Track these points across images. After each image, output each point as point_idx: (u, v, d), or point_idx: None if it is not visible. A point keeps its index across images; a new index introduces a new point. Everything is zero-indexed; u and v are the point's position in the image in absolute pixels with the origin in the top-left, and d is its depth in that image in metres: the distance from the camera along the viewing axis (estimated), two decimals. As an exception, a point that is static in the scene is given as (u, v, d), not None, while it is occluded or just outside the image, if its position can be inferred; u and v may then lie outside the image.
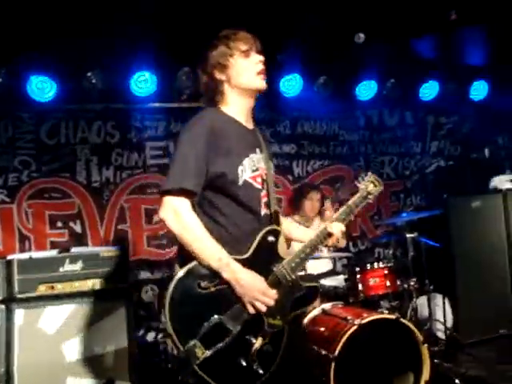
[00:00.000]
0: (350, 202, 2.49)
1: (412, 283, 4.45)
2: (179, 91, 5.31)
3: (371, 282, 4.18)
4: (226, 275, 2.06)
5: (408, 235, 4.56)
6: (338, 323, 3.59)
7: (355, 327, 3.39)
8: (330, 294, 4.46)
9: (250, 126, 2.39)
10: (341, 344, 3.33)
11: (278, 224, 2.33)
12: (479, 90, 6.31)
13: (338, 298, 4.26)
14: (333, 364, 3.28)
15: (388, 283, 4.22)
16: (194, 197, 2.16)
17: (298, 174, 6.19)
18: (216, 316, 2.06)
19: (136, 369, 3.76)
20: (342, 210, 2.46)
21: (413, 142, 6.72)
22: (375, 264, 4.33)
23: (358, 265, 4.37)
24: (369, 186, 2.54)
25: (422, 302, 4.87)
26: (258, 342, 2.11)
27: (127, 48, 4.81)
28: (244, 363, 2.08)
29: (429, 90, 6.20)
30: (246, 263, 2.13)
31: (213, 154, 2.15)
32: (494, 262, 5.24)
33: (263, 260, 2.20)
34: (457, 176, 6.16)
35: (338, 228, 2.39)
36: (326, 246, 2.47)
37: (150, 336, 4.84)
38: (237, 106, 2.32)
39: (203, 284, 2.07)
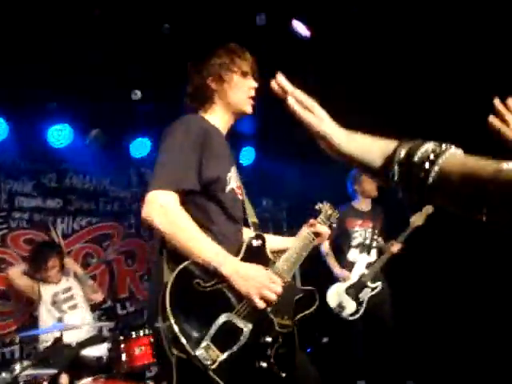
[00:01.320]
0: (318, 219, 2.52)
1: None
2: None
3: (136, 351, 3.92)
4: (225, 270, 1.88)
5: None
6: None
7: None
8: (92, 366, 4.06)
9: (226, 138, 2.33)
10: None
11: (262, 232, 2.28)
12: (247, 155, 6.71)
13: (102, 371, 3.89)
14: None
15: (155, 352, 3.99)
16: (187, 197, 2.00)
17: (62, 231, 5.68)
18: (223, 314, 1.87)
19: None
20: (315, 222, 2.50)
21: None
22: (141, 331, 4.08)
23: (123, 332, 4.08)
24: (328, 209, 2.61)
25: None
26: (272, 343, 1.95)
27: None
28: (265, 365, 1.91)
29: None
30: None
31: (206, 155, 2.05)
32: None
33: (257, 263, 2.05)
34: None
35: (324, 227, 2.46)
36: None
37: None
38: (220, 119, 2.28)
39: (203, 283, 1.88)
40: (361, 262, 4.73)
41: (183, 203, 1.99)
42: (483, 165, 0.88)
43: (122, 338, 3.99)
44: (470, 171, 0.89)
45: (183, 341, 1.77)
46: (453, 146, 0.96)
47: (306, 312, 2.23)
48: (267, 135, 6.28)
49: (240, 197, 2.26)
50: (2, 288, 5.09)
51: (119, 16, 4.25)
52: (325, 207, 2.63)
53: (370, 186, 4.81)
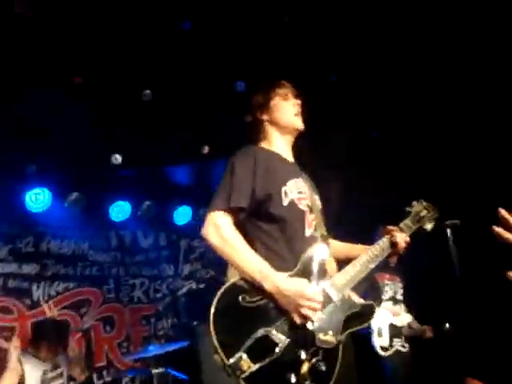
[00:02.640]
0: (400, 224, 2.45)
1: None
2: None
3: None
4: (267, 286, 2.02)
5: (154, 371, 4.28)
6: None
7: None
8: None
9: (291, 159, 2.53)
10: None
11: (327, 244, 2.29)
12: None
13: None
14: None
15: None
16: (241, 213, 2.20)
17: (37, 297, 5.49)
18: (262, 329, 1.98)
19: None
20: (395, 230, 2.41)
21: (165, 264, 6.64)
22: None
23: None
24: (422, 211, 2.53)
25: None
26: (309, 358, 2.00)
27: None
28: (293, 380, 1.96)
29: (182, 215, 6.32)
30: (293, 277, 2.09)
31: (258, 178, 2.24)
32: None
33: (310, 277, 2.13)
34: (207, 300, 6.20)
35: (402, 237, 2.39)
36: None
37: None
38: (277, 143, 2.49)
39: (248, 298, 2.03)
40: (406, 316, 4.55)
41: (239, 222, 2.22)
42: None
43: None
44: None
45: (219, 350, 1.94)
46: None
47: (358, 328, 2.20)
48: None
49: (303, 207, 2.31)
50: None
51: (101, 80, 4.28)
52: (419, 207, 2.56)
53: None
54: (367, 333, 4.36)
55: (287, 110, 2.50)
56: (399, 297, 4.61)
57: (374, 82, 4.54)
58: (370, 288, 4.41)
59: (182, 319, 6.44)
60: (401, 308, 4.58)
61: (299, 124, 2.50)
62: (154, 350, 4.43)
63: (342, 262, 2.45)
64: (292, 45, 4.00)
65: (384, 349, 4.35)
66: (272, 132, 2.52)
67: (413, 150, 4.91)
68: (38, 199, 5.25)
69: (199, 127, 4.79)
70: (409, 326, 4.53)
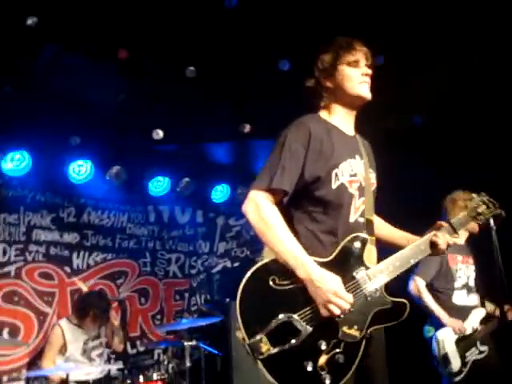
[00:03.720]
0: (452, 219, 2.33)
1: (188, 395, 4.19)
2: None
3: (144, 396, 3.82)
4: (300, 274, 1.98)
5: (187, 343, 4.35)
6: None
7: None
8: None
9: (351, 132, 2.36)
10: None
11: (371, 233, 2.22)
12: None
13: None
14: None
15: (162, 397, 3.90)
16: (284, 196, 2.13)
17: (77, 266, 5.65)
18: (287, 314, 1.97)
19: None
20: (443, 227, 2.28)
21: (201, 241, 6.71)
22: (150, 375, 4.01)
23: (130, 376, 3.99)
24: (480, 206, 2.40)
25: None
26: (329, 350, 1.98)
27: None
28: (310, 368, 1.95)
29: (220, 193, 6.36)
30: (327, 266, 2.04)
31: (309, 158, 2.14)
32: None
33: (345, 265, 2.10)
34: (241, 278, 6.24)
35: (444, 239, 2.25)
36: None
37: None
38: (338, 114, 2.32)
39: (278, 280, 2.00)
40: (477, 312, 4.02)
41: (285, 203, 2.14)
42: None
43: (129, 381, 3.90)
44: None
45: (241, 327, 1.94)
46: None
47: (386, 325, 2.14)
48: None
49: (353, 191, 2.21)
50: (10, 321, 5.04)
51: (146, 54, 4.31)
52: (475, 202, 2.41)
53: None
54: (434, 365, 3.96)
55: (353, 78, 2.26)
56: (472, 283, 4.09)
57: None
58: (440, 273, 4.04)
59: (215, 296, 6.51)
60: (474, 298, 4.09)
61: (365, 93, 2.28)
62: (186, 323, 4.50)
63: (384, 245, 2.40)
64: (338, 24, 3.92)
65: (457, 374, 3.84)
66: (334, 101, 2.31)
67: (462, 138, 4.74)
68: (80, 170, 5.38)
69: (241, 105, 4.77)
70: (482, 322, 3.99)
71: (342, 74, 2.26)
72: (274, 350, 1.93)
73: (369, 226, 2.24)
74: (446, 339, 3.89)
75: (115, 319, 4.83)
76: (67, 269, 5.58)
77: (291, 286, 2.02)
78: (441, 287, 4.03)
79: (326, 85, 2.29)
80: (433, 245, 2.25)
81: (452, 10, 3.98)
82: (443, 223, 2.31)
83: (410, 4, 3.92)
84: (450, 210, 3.91)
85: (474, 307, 4.04)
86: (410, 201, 4.82)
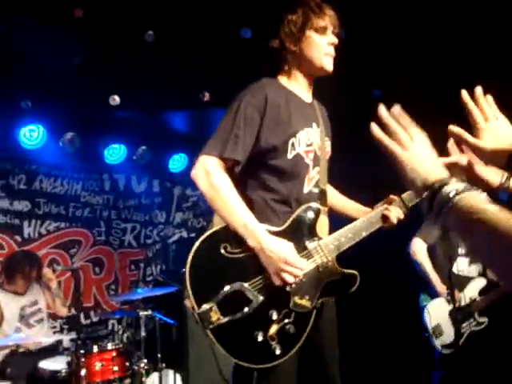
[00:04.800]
0: (402, 195, 2.30)
1: (142, 365, 4.17)
2: None
3: (97, 366, 3.79)
4: (251, 243, 1.96)
5: (142, 313, 4.32)
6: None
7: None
8: (50, 380, 3.90)
9: (309, 99, 2.31)
10: None
11: (324, 204, 2.21)
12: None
13: (58, 385, 3.73)
14: None
15: (116, 368, 3.87)
16: (235, 165, 2.08)
17: (28, 235, 5.49)
18: (238, 283, 1.95)
19: None
20: (395, 201, 2.29)
21: (158, 211, 6.63)
22: (104, 345, 3.95)
23: (84, 346, 3.93)
24: None
25: (153, 379, 4.61)
26: (279, 319, 1.97)
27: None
28: (260, 338, 1.94)
29: (178, 162, 6.28)
30: (279, 235, 2.02)
31: (265, 126, 2.09)
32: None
33: (298, 235, 2.08)
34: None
35: (395, 213, 2.24)
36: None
37: None
38: (298, 81, 2.26)
39: (229, 248, 1.98)
40: (477, 283, 3.83)
41: (237, 171, 2.10)
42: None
43: (82, 351, 3.84)
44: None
45: (191, 296, 1.92)
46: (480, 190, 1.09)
47: (336, 296, 2.16)
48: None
49: (308, 161, 2.17)
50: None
51: (103, 15, 4.14)
52: None
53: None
54: (425, 336, 3.80)
55: (319, 46, 2.19)
56: None
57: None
58: (441, 240, 3.87)
59: (170, 266, 6.48)
60: (476, 267, 3.88)
61: (328, 65, 2.22)
62: (141, 293, 4.46)
63: (335, 214, 2.39)
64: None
65: (449, 346, 3.68)
66: (296, 66, 2.24)
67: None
68: (32, 136, 5.18)
69: (201, 73, 4.67)
70: (481, 292, 3.81)
71: (308, 41, 2.19)
72: (224, 320, 1.91)
73: (322, 196, 2.24)
74: (438, 309, 3.76)
75: (51, 280, 4.68)
76: (18, 238, 5.42)
77: (243, 255, 1.99)
78: (442, 252, 3.87)
79: (290, 48, 2.20)
80: (384, 218, 2.25)
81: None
82: (395, 197, 2.32)
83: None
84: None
85: (475, 277, 3.88)
86: (364, 174, 4.88)
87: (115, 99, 4.81)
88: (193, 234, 6.84)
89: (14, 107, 4.89)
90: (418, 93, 4.41)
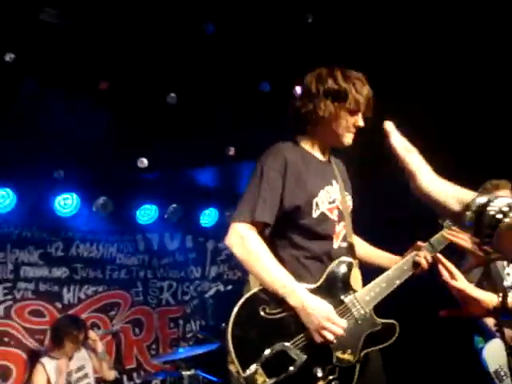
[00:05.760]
0: (431, 239, 2.33)
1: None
2: None
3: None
4: (291, 302, 1.98)
5: (185, 372, 4.28)
6: None
7: None
8: None
9: (326, 157, 2.35)
10: None
11: (354, 257, 2.25)
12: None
13: None
14: None
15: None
16: (266, 228, 2.13)
17: (68, 300, 5.56)
18: (280, 343, 1.96)
19: None
20: (424, 246, 2.30)
21: (192, 266, 6.65)
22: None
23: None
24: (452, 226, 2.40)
25: None
26: (324, 376, 1.96)
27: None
28: None
29: (209, 217, 6.34)
30: (315, 292, 2.05)
31: (287, 187, 2.13)
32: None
33: (333, 290, 2.11)
34: (235, 301, 6.18)
35: (426, 259, 2.26)
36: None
37: None
38: (315, 142, 2.30)
39: (268, 309, 2.00)
40: None
41: (267, 234, 2.14)
42: None
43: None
44: None
45: (235, 360, 1.91)
46: None
47: (378, 347, 2.14)
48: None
49: (333, 217, 2.22)
50: (1, 363, 4.93)
51: (126, 84, 4.31)
52: (447, 222, 2.39)
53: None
54: (488, 382, 3.55)
55: (344, 125, 2.21)
56: None
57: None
58: (485, 275, 3.52)
59: (209, 321, 6.44)
60: None
61: (346, 142, 2.26)
62: (183, 352, 4.44)
63: (366, 266, 2.40)
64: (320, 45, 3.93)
65: None
66: (317, 131, 2.25)
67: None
68: (66, 204, 5.32)
69: (224, 129, 4.78)
70: None
71: (338, 118, 2.19)
72: (270, 382, 1.91)
73: (351, 249, 2.30)
74: (497, 351, 3.50)
75: (96, 343, 4.69)
76: (58, 304, 5.48)
77: (282, 315, 2.00)
78: (489, 289, 3.65)
79: (319, 114, 2.18)
80: (415, 264, 2.27)
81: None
82: (422, 243, 2.33)
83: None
84: None
85: None
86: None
87: (143, 162, 4.94)
88: (229, 287, 6.81)
89: (48, 177, 5.06)
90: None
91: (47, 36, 3.78)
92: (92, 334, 4.74)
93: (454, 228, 2.33)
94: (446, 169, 1.44)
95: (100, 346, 4.76)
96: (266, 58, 4.12)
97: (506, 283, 3.73)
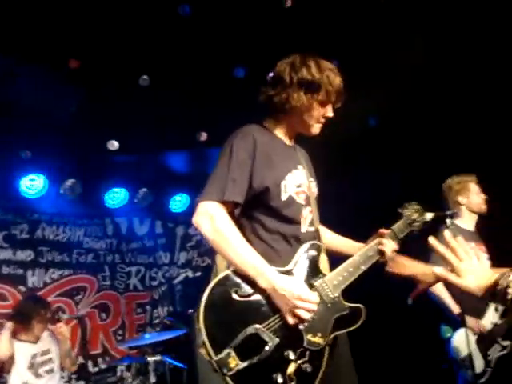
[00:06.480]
0: (393, 227, 2.39)
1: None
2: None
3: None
4: (262, 284, 1.96)
5: (150, 358, 4.25)
6: None
7: None
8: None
9: (291, 143, 2.36)
10: None
11: (320, 241, 2.25)
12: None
13: None
14: None
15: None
16: (235, 208, 2.10)
17: (33, 284, 5.46)
18: (253, 326, 1.93)
19: None
20: (386, 234, 2.35)
21: (161, 252, 6.60)
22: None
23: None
24: (413, 214, 2.46)
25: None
26: (296, 359, 1.96)
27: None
28: (280, 380, 1.92)
29: (179, 202, 6.28)
30: (286, 274, 2.03)
31: (256, 168, 2.11)
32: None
33: (303, 274, 2.10)
34: (203, 288, 6.17)
35: (390, 246, 2.30)
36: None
37: None
38: (284, 129, 2.31)
39: (240, 292, 1.96)
40: (494, 306, 3.66)
41: (236, 214, 2.11)
42: None
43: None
44: None
45: (207, 344, 1.87)
46: None
47: (346, 330, 2.16)
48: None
49: (301, 201, 2.22)
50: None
51: (99, 64, 4.21)
52: (409, 210, 2.47)
53: (478, 198, 3.84)
54: (455, 370, 3.64)
55: (314, 116, 2.24)
56: None
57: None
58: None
59: (177, 307, 6.42)
60: None
61: (315, 132, 2.30)
62: (149, 337, 4.40)
63: (333, 254, 2.41)
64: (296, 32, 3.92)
65: (481, 375, 3.51)
66: (287, 117, 2.27)
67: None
68: (33, 185, 5.20)
69: (197, 114, 4.73)
70: (502, 315, 3.62)
71: (310, 108, 2.22)
72: (243, 365, 1.88)
73: (318, 234, 2.29)
74: (465, 340, 3.50)
75: (64, 337, 4.49)
76: (22, 288, 5.37)
77: (254, 297, 1.98)
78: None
79: (291, 104, 2.19)
80: (379, 252, 2.31)
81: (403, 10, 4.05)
82: (385, 231, 2.38)
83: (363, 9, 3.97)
84: (447, 195, 3.90)
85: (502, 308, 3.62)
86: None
87: (113, 144, 4.86)
88: (198, 274, 6.79)
89: (14, 158, 4.93)
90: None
91: (17, 12, 3.66)
92: (63, 330, 4.54)
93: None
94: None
95: (68, 342, 4.55)
96: (240, 42, 4.08)
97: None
